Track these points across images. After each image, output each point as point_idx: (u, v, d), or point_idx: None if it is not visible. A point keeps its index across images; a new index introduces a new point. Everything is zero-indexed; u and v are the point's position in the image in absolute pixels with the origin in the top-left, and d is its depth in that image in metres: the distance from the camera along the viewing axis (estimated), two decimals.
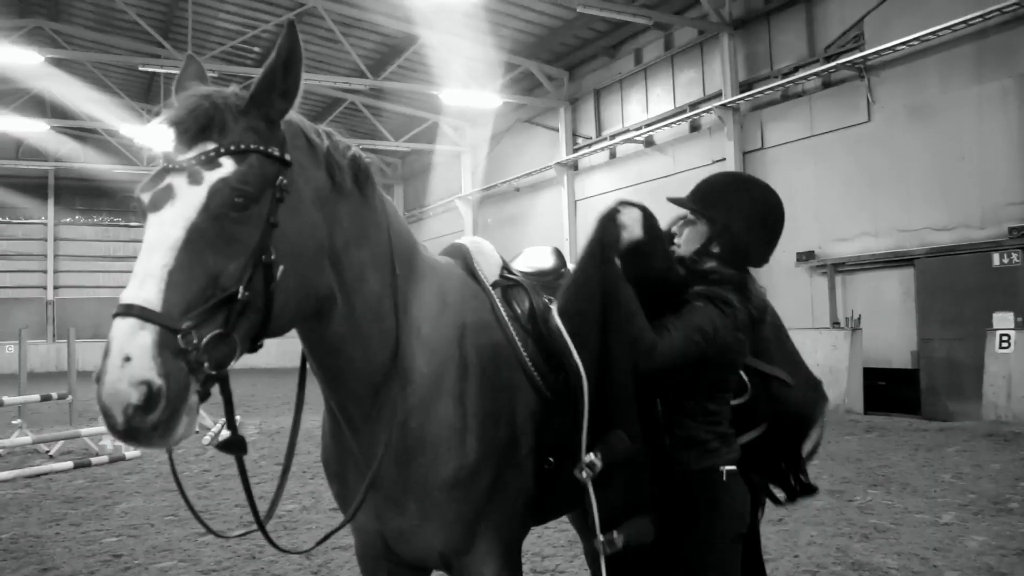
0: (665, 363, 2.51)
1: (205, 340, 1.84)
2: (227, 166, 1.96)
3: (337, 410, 2.57)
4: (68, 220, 36.90)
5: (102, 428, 11.13)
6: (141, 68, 22.31)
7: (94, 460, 10.63)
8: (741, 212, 2.75)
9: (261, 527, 2.37)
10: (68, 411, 14.31)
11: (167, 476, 9.71)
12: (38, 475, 9.94)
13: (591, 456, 2.43)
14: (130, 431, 1.76)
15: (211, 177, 1.94)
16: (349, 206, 2.33)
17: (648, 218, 2.62)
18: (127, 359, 1.75)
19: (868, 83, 15.64)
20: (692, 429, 2.68)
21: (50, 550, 6.64)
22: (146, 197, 1.98)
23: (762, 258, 2.82)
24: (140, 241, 1.93)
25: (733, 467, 2.71)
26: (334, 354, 2.40)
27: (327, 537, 2.63)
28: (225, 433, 2.14)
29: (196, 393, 1.85)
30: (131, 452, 11.00)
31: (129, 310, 1.80)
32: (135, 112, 28.20)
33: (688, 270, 2.76)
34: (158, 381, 1.76)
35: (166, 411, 1.77)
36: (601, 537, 2.44)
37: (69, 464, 10.39)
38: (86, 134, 32.90)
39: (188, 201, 1.92)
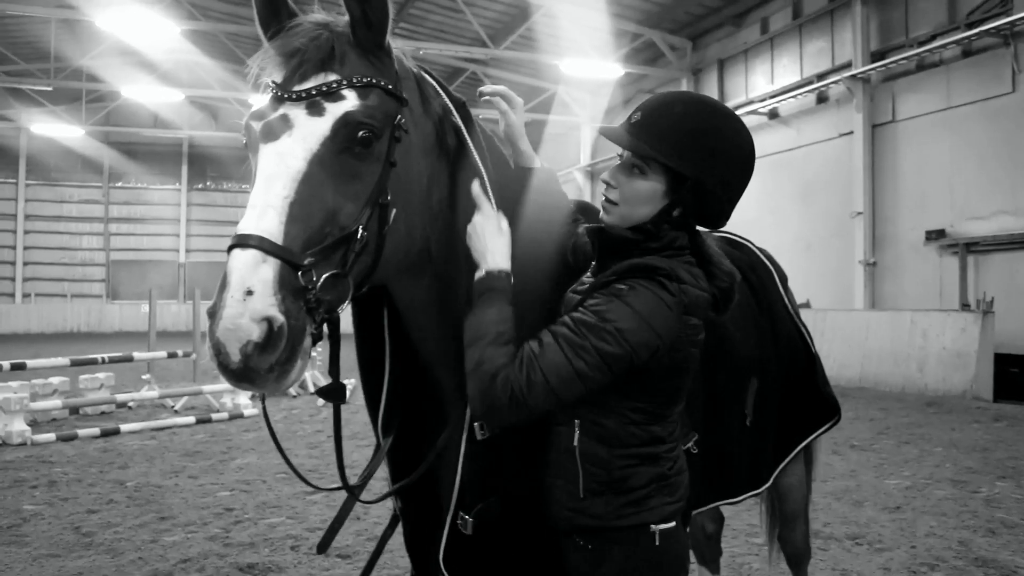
0: (539, 402, 1.81)
1: (322, 279, 1.72)
2: (351, 99, 1.84)
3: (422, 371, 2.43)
4: (200, 187, 38.55)
5: (223, 386, 11.60)
6: None
7: (214, 416, 11.06)
8: (721, 163, 1.92)
9: (344, 480, 2.32)
10: (192, 368, 14.97)
11: (283, 435, 9.99)
12: (163, 428, 10.44)
13: (466, 516, 2.14)
14: (245, 371, 1.62)
15: (335, 109, 1.82)
16: (451, 166, 2.18)
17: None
18: (249, 292, 1.62)
19: (1014, 51, 14.65)
20: (618, 469, 1.91)
21: (168, 500, 6.94)
22: (257, 126, 1.87)
23: (727, 219, 2.03)
24: None
25: (671, 524, 1.94)
26: (424, 311, 2.22)
27: (397, 490, 2.45)
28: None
29: (310, 335, 1.72)
30: (249, 410, 11.42)
31: (248, 240, 1.68)
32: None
33: (621, 239, 1.98)
34: (280, 318, 1.63)
35: (285, 351, 1.64)
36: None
37: (191, 419, 10.85)
38: (218, 103, 34.07)
39: (310, 132, 1.81)
